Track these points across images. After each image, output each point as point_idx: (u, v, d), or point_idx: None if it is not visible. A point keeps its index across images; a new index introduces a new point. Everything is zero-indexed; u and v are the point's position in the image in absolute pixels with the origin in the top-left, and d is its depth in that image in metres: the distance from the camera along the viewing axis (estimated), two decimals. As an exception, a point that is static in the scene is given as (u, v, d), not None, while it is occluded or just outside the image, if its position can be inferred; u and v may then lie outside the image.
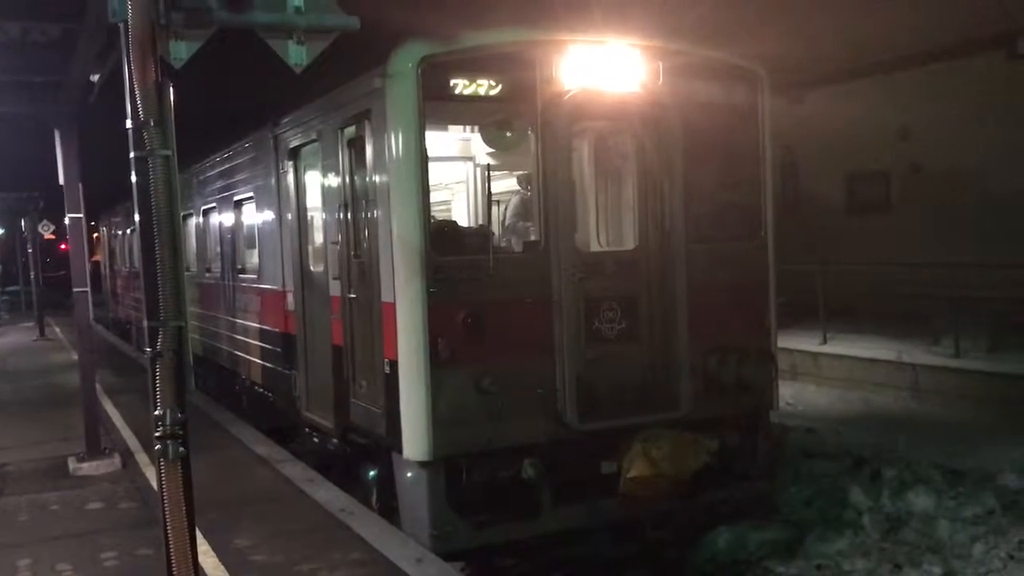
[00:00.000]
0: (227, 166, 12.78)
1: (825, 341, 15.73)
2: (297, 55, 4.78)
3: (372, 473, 8.33)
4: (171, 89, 4.22)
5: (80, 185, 9.64)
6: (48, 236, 35.43)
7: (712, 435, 8.13)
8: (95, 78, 9.22)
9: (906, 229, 17.62)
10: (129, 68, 4.18)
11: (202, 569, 5.76)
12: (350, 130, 8.20)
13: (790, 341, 15.10)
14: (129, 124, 4.25)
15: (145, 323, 4.25)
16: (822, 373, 15.47)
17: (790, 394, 14.09)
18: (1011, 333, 13.87)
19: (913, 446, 10.96)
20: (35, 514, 8.21)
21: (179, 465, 4.26)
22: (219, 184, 13.35)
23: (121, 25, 4.22)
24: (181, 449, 4.24)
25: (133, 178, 4.26)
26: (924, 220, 17.26)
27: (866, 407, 13.80)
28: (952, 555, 8.09)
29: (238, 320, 12.55)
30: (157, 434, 4.22)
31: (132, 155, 4.24)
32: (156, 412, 4.22)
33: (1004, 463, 10.03)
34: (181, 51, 4.47)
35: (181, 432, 4.23)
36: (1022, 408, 12.20)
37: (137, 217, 4.30)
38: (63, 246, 52.40)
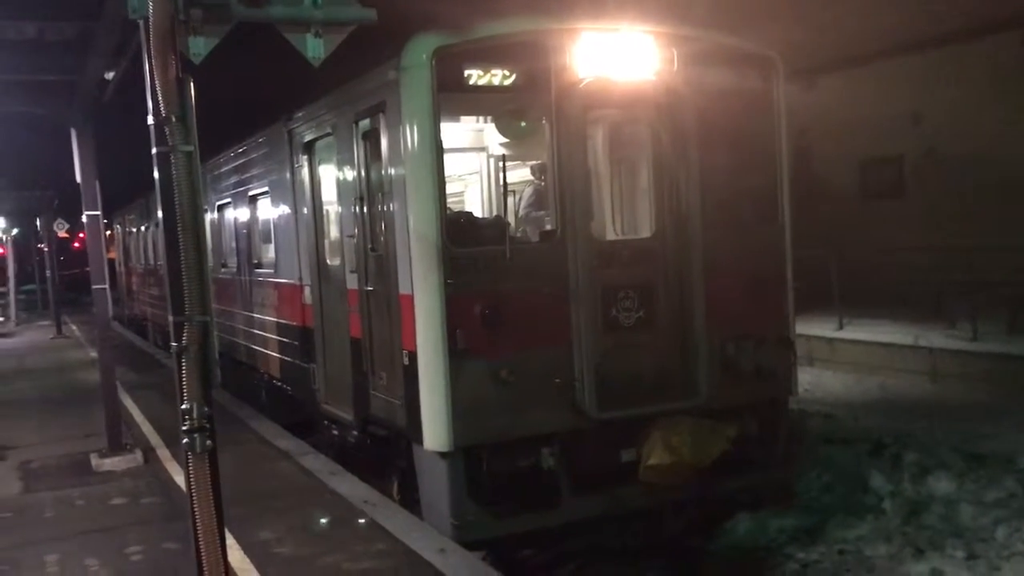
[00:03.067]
0: (241, 161, 12.82)
1: (841, 327, 15.70)
2: (315, 48, 4.79)
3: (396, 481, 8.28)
4: (192, 84, 4.24)
5: (97, 183, 9.68)
6: (62, 235, 35.58)
7: (731, 422, 8.11)
8: (110, 76, 9.26)
9: (920, 213, 17.56)
10: (150, 64, 4.19)
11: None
12: (365, 123, 8.21)
13: (806, 327, 15.05)
14: (151, 120, 4.27)
15: (170, 318, 4.28)
16: (839, 359, 15.44)
17: (807, 380, 14.05)
18: (1028, 316, 13.81)
19: (932, 430, 10.93)
20: (60, 510, 8.28)
21: (207, 458, 4.29)
22: (233, 179, 13.40)
23: (141, 22, 4.24)
24: (208, 442, 4.27)
25: (155, 174, 4.28)
26: (938, 204, 17.19)
27: (883, 392, 13.77)
28: (975, 538, 8.07)
29: (255, 315, 12.61)
30: (184, 428, 4.24)
31: (154, 151, 4.26)
32: (183, 406, 4.25)
33: (1024, 446, 10.00)
34: (200, 46, 4.49)
35: (208, 425, 4.26)
36: (1041, 390, 12.16)
37: (160, 213, 4.32)
38: (77, 244, 52.76)
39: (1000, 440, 10.35)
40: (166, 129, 4.19)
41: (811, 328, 15.51)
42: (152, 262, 22.48)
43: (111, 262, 29.89)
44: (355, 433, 9.20)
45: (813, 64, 17.98)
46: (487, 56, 7.39)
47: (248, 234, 12.89)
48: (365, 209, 8.35)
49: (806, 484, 9.55)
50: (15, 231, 35.98)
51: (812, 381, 14.41)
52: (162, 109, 4.20)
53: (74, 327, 28.43)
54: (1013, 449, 9.86)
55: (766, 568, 8.27)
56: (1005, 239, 14.96)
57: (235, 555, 6.57)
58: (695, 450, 7.73)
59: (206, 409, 4.28)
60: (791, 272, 8.75)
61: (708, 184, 8.10)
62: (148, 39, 4.16)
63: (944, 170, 17.33)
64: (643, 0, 8.43)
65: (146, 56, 4.22)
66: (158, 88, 4.18)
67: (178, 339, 4.26)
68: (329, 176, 9.59)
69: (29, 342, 25.18)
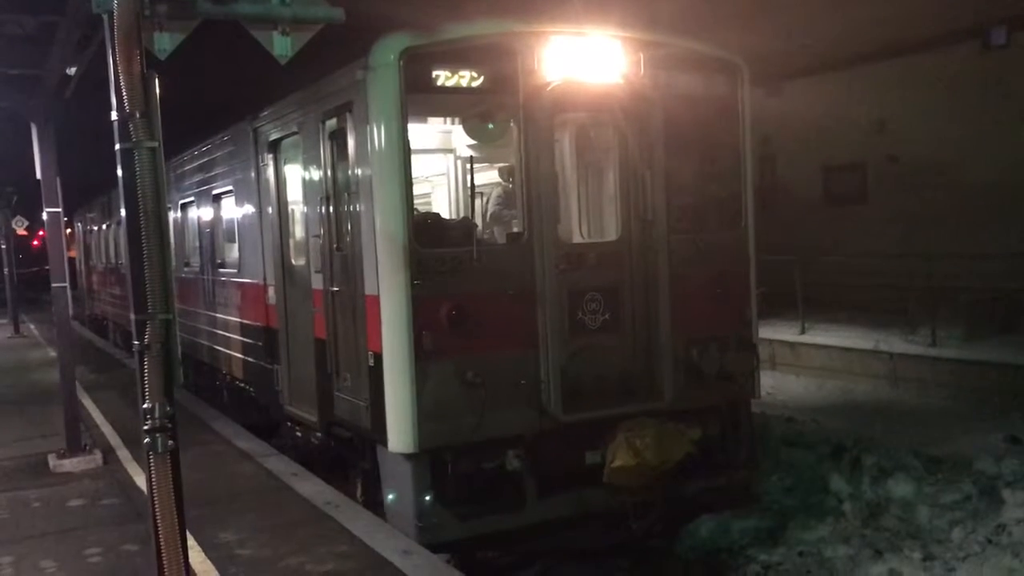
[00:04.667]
0: (205, 159, 12.69)
1: (803, 331, 15.87)
2: (282, 46, 4.77)
3: (360, 482, 8.25)
4: (156, 80, 4.19)
5: (58, 179, 9.54)
6: (21, 232, 34.96)
7: (694, 425, 8.17)
8: (72, 71, 9.12)
9: (883, 219, 17.80)
10: (114, 59, 4.14)
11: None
12: (331, 123, 8.16)
13: (769, 331, 15.23)
14: (115, 116, 4.21)
15: (132, 316, 4.22)
16: (801, 363, 15.61)
17: (770, 384, 14.20)
18: (986, 322, 14.06)
19: (892, 433, 11.10)
20: (16, 512, 8.13)
21: (168, 458, 4.24)
22: (197, 178, 13.26)
23: (105, 16, 4.18)
24: (170, 442, 4.22)
25: (119, 171, 4.23)
26: (900, 211, 17.44)
27: (844, 396, 13.95)
28: (932, 540, 8.21)
29: (218, 315, 12.49)
30: (146, 427, 4.19)
31: (118, 147, 4.21)
32: (145, 405, 4.19)
33: (981, 449, 10.18)
34: (165, 42, 4.46)
35: (170, 425, 4.21)
36: (997, 395, 12.38)
37: (123, 210, 4.26)
38: (36, 242, 51.87)
39: (957, 444, 10.53)
40: (130, 125, 4.14)
41: (774, 332, 15.69)
42: (113, 261, 22.17)
43: (71, 260, 29.43)
44: (319, 435, 9.14)
45: (778, 70, 18.16)
46: (455, 57, 7.39)
47: (212, 233, 12.76)
48: (331, 209, 8.30)
49: (768, 486, 9.66)
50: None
51: (775, 384, 14.57)
52: (126, 105, 4.14)
53: (32, 326, 27.98)
54: (969, 452, 10.04)
55: (728, 569, 8.35)
56: (964, 246, 15.23)
57: (196, 556, 6.51)
58: (659, 452, 7.77)
59: (168, 409, 4.23)
60: (755, 276, 8.84)
61: (674, 188, 8.17)
62: (112, 34, 4.11)
63: (906, 177, 17.59)
64: (610, 4, 8.48)
65: (110, 51, 4.17)
66: (122, 84, 4.13)
67: (140, 337, 4.21)
68: (295, 175, 9.52)
69: (-14, 341, 24.73)
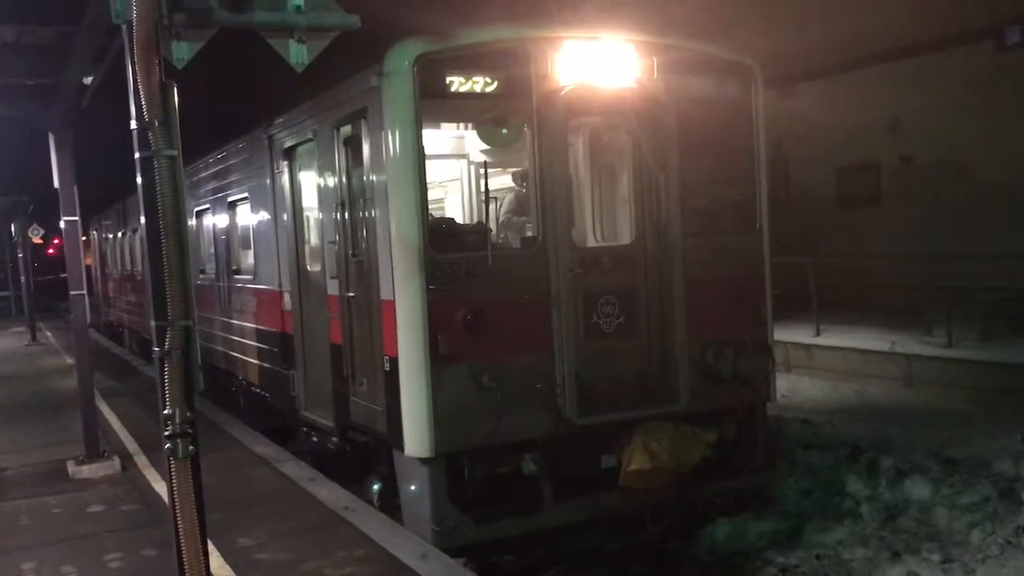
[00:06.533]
0: (220, 167, 12.77)
1: (818, 333, 15.82)
2: (298, 54, 4.80)
3: (376, 487, 8.33)
4: (175, 89, 4.24)
5: (75, 188, 9.61)
6: (36, 240, 35.16)
7: (710, 428, 8.19)
8: (88, 81, 9.20)
9: (897, 221, 17.74)
10: (133, 69, 4.19)
11: (208, 568, 5.77)
12: (346, 129, 8.21)
13: (784, 334, 15.14)
14: (134, 124, 4.26)
15: (152, 323, 4.26)
16: (816, 365, 15.55)
17: (785, 386, 14.13)
18: (1002, 322, 13.98)
19: (908, 435, 11.05)
20: (37, 518, 8.19)
21: (189, 464, 4.27)
22: (212, 185, 13.34)
23: (124, 26, 4.23)
24: (191, 448, 4.25)
25: (138, 179, 4.28)
26: (914, 212, 17.38)
27: (860, 398, 13.88)
28: (950, 542, 8.17)
29: (234, 321, 12.55)
30: (167, 433, 4.23)
31: (137, 155, 4.25)
32: (165, 411, 4.23)
33: (999, 450, 10.12)
34: (183, 51, 4.49)
35: (191, 431, 4.25)
36: (1015, 396, 12.30)
37: (143, 218, 4.31)
38: (51, 250, 52.22)
39: (974, 445, 10.47)
40: (149, 134, 4.18)
41: (789, 334, 15.63)
42: (129, 268, 22.30)
43: (87, 268, 29.56)
44: (335, 439, 9.17)
45: (791, 72, 18.13)
46: (469, 63, 7.42)
47: (227, 240, 12.84)
48: (346, 215, 8.35)
49: (784, 489, 9.63)
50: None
51: (790, 387, 14.51)
52: (145, 114, 4.19)
53: (49, 334, 28.13)
54: (987, 454, 9.99)
55: (745, 572, 8.33)
56: (980, 246, 15.16)
57: (215, 561, 6.52)
58: (675, 455, 7.78)
59: (189, 414, 4.27)
60: (769, 279, 8.83)
61: (688, 190, 8.18)
62: (131, 44, 4.15)
63: (919, 177, 17.52)
64: (623, 8, 8.50)
65: (129, 61, 4.21)
66: (141, 93, 4.17)
67: (160, 344, 4.25)
68: (310, 182, 9.57)
69: (3, 349, 24.86)
